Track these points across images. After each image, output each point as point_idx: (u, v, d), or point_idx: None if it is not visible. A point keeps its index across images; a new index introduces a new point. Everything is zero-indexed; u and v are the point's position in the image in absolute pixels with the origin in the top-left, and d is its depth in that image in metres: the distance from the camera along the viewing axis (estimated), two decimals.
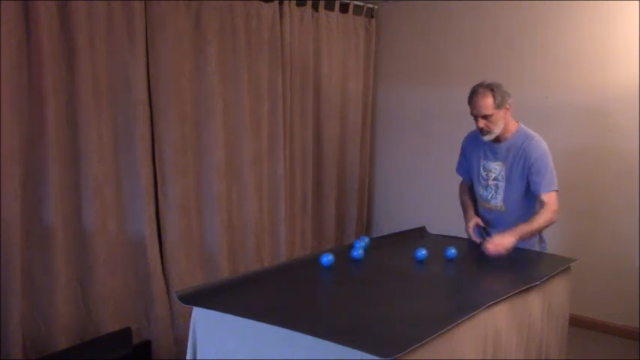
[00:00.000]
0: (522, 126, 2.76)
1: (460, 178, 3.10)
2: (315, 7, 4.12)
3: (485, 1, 4.12)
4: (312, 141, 4.24)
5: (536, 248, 2.85)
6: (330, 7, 4.23)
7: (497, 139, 2.73)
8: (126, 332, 2.93)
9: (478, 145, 2.85)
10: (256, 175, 3.77)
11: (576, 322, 3.56)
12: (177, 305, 3.20)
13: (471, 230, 2.83)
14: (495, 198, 2.81)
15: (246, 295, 2.02)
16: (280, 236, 3.95)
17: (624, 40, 3.57)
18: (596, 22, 3.68)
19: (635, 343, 3.59)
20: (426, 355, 1.63)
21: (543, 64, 3.90)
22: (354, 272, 2.43)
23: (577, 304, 3.07)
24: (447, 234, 3.04)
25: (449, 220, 3.26)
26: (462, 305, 1.96)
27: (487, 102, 2.61)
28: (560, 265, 2.50)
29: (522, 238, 2.63)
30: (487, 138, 2.71)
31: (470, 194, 3.01)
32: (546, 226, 2.70)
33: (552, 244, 3.02)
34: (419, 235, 3.03)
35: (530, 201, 2.76)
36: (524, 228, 2.62)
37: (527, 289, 2.18)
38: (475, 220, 2.84)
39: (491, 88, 2.63)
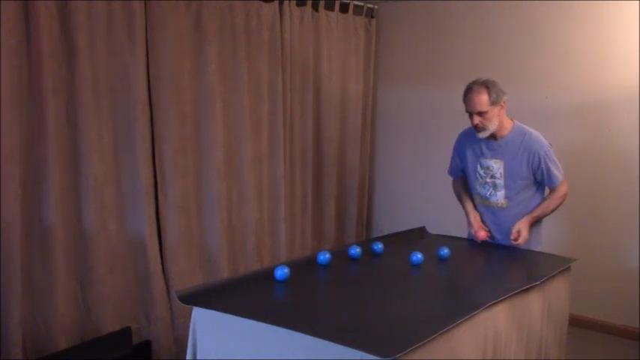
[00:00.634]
0: (518, 123, 2.79)
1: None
2: (315, 7, 4.12)
3: (486, 1, 4.12)
4: (312, 141, 4.24)
5: (538, 248, 2.86)
6: (330, 7, 4.23)
7: (494, 137, 2.74)
8: (126, 332, 2.93)
9: (474, 143, 2.85)
10: (256, 175, 3.77)
11: (576, 322, 3.56)
12: (177, 305, 3.20)
13: (476, 225, 2.85)
14: (495, 195, 2.81)
15: (246, 295, 2.02)
16: (280, 236, 3.95)
17: (624, 40, 3.57)
18: (596, 22, 3.68)
19: (635, 343, 3.59)
20: (426, 355, 1.63)
21: (543, 64, 3.90)
22: (354, 272, 2.43)
23: (577, 304, 3.07)
24: (447, 234, 3.04)
25: (449, 220, 3.26)
26: (461, 305, 1.96)
27: (482, 99, 2.63)
28: (560, 265, 2.50)
29: (536, 221, 2.77)
30: (482, 135, 2.71)
31: (464, 188, 3.02)
32: (556, 208, 2.82)
33: (552, 244, 3.02)
34: (419, 235, 3.03)
35: (529, 194, 2.77)
36: (537, 212, 2.76)
37: (527, 289, 2.18)
38: (476, 218, 2.87)
39: (487, 85, 2.65)
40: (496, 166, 2.78)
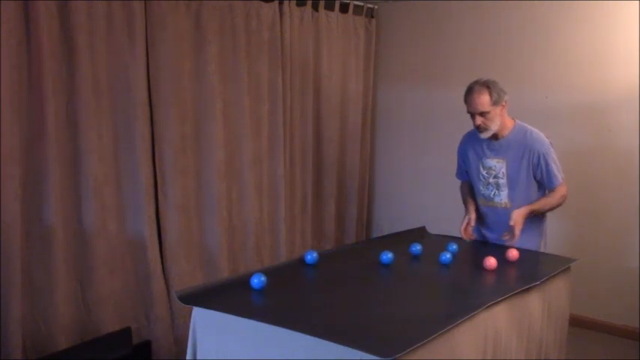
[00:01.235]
0: (519, 122, 2.78)
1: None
2: (315, 7, 4.12)
3: (485, 1, 4.12)
4: (312, 141, 4.24)
5: (541, 248, 2.86)
6: (330, 7, 4.23)
7: (495, 137, 2.74)
8: (126, 332, 2.93)
9: (475, 144, 2.85)
10: (256, 175, 3.77)
11: (576, 322, 3.56)
12: (177, 305, 3.20)
13: (464, 225, 2.83)
14: (499, 195, 2.81)
15: (246, 295, 2.02)
16: (280, 236, 3.95)
17: (624, 40, 3.57)
18: (596, 22, 3.68)
19: (635, 343, 3.59)
20: (426, 355, 1.63)
21: (543, 64, 3.90)
22: (354, 272, 2.43)
23: (577, 304, 3.07)
24: (447, 234, 3.04)
25: (449, 220, 3.26)
26: (462, 305, 1.96)
27: (484, 99, 2.62)
28: (560, 265, 2.50)
29: (533, 214, 2.72)
30: (484, 135, 2.71)
31: (470, 190, 3.01)
32: (554, 207, 2.80)
33: (552, 244, 3.02)
34: (419, 235, 3.03)
35: (532, 194, 2.77)
36: (537, 205, 2.72)
37: (527, 289, 2.18)
38: (472, 217, 2.85)
39: (488, 85, 2.64)
40: (498, 165, 2.78)
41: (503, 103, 2.68)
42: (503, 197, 2.80)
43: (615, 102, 3.64)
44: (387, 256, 2.43)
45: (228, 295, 2.00)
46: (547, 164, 2.71)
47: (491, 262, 2.38)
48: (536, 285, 2.22)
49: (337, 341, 1.59)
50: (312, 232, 4.35)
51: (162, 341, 3.20)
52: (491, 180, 2.82)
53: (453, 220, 3.13)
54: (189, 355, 1.96)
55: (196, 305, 1.91)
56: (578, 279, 2.83)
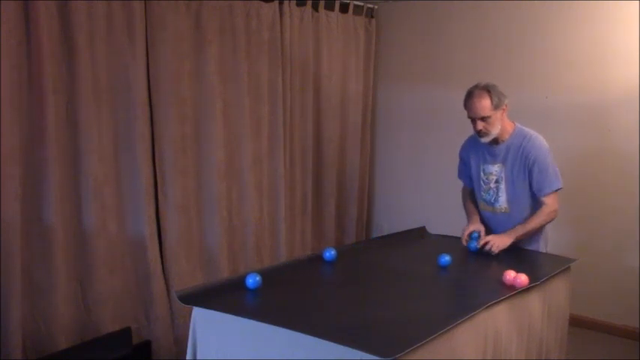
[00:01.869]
0: (519, 125, 2.75)
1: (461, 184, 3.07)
2: (315, 7, 4.12)
3: (486, 1, 4.12)
4: (312, 141, 4.24)
5: (542, 249, 2.85)
6: (330, 7, 4.23)
7: (495, 141, 2.71)
8: (126, 332, 2.93)
9: (476, 149, 2.83)
10: (256, 175, 3.77)
11: (576, 322, 3.56)
12: (177, 305, 3.20)
13: (466, 234, 2.75)
14: (498, 200, 2.79)
15: (247, 296, 2.02)
16: (280, 236, 3.95)
17: (624, 40, 3.57)
18: (596, 22, 3.68)
19: (635, 343, 3.59)
20: (426, 355, 1.63)
21: (543, 64, 3.90)
22: (355, 272, 2.43)
23: (577, 304, 3.07)
24: (447, 234, 3.04)
25: (449, 220, 3.26)
26: (461, 305, 1.96)
27: (484, 103, 2.59)
28: (560, 265, 2.50)
29: (519, 238, 2.66)
30: (485, 140, 2.69)
31: (472, 198, 2.97)
32: (542, 225, 2.74)
33: (552, 244, 3.02)
34: (419, 235, 3.03)
35: (532, 199, 2.75)
36: (520, 230, 2.66)
37: (527, 289, 2.17)
38: (475, 227, 2.76)
39: (488, 89, 2.61)
40: (497, 170, 2.76)
41: (504, 107, 2.64)
42: (501, 202, 2.78)
43: (615, 102, 3.64)
44: (445, 259, 2.41)
45: (229, 295, 2.00)
46: (540, 170, 2.65)
47: (513, 277, 2.17)
48: (536, 285, 2.22)
49: (337, 341, 1.59)
50: (312, 232, 4.35)
51: (162, 341, 3.20)
52: (491, 185, 2.79)
53: (453, 220, 3.13)
54: (189, 355, 1.96)
55: (196, 305, 1.92)
56: (578, 279, 2.83)
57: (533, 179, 2.67)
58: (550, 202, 2.68)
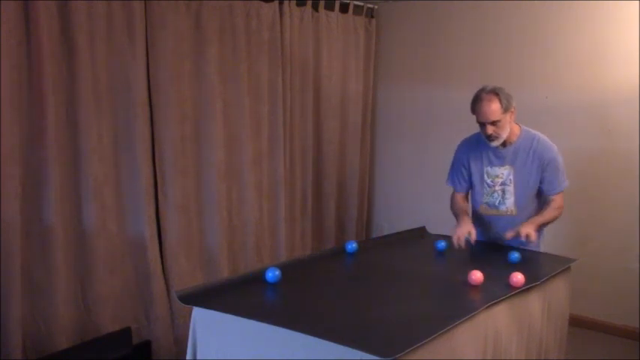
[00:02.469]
0: (524, 127, 2.74)
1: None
2: (315, 7, 4.12)
3: (486, 1, 4.12)
4: (312, 141, 4.24)
5: (540, 249, 2.85)
6: (330, 7, 4.23)
7: (503, 143, 2.68)
8: (126, 332, 2.93)
9: (476, 151, 2.79)
10: (256, 175, 3.77)
11: (576, 322, 3.56)
12: (177, 305, 3.20)
13: (462, 236, 2.63)
14: (504, 203, 2.77)
15: (246, 295, 2.02)
16: (280, 236, 3.95)
17: (624, 40, 3.57)
18: (596, 22, 3.68)
19: (635, 343, 3.59)
20: (426, 355, 1.63)
21: (543, 64, 3.90)
22: (354, 272, 2.43)
23: (577, 304, 3.07)
24: (447, 234, 3.04)
25: (449, 220, 3.26)
26: (462, 305, 1.96)
27: (494, 107, 2.53)
28: (560, 265, 2.50)
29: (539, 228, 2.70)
30: (495, 144, 2.65)
31: (463, 202, 2.90)
32: (552, 221, 2.77)
33: (553, 245, 3.02)
34: (419, 235, 3.03)
35: (538, 200, 2.76)
36: (538, 220, 2.68)
37: (527, 289, 2.18)
38: (469, 229, 2.65)
39: (496, 92, 2.55)
40: (506, 172, 2.73)
41: (512, 109, 2.61)
42: (509, 205, 2.76)
43: (615, 102, 3.64)
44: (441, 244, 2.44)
45: (228, 295, 2.00)
46: (553, 170, 2.67)
47: (477, 276, 2.18)
48: (536, 285, 2.22)
49: (337, 341, 1.59)
50: (312, 232, 4.35)
51: (162, 341, 3.20)
52: (497, 188, 2.77)
53: (453, 221, 3.13)
54: (189, 355, 1.96)
55: (196, 305, 1.91)
56: (578, 279, 2.83)
57: (546, 179, 2.69)
58: (558, 200, 2.72)
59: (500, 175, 2.75)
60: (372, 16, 4.59)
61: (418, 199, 4.58)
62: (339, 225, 4.58)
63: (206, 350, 1.92)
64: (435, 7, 4.39)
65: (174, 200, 3.29)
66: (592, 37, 3.70)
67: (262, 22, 3.69)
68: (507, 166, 2.73)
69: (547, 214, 2.71)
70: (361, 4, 4.46)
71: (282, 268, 2.29)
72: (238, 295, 2.01)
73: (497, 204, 2.79)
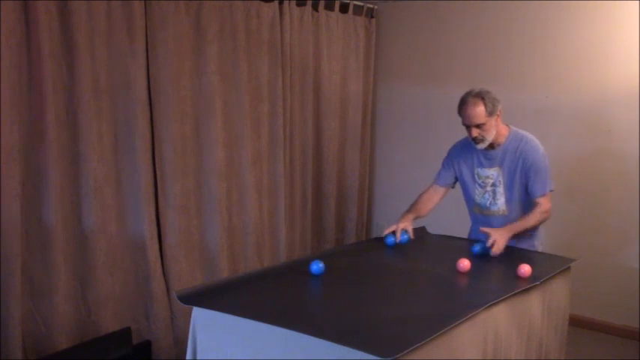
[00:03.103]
0: (513, 128, 2.75)
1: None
2: (315, 7, 4.12)
3: (485, 1, 4.12)
4: (312, 141, 4.24)
5: (539, 249, 2.85)
6: (330, 7, 4.23)
7: (491, 145, 2.70)
8: (126, 332, 2.93)
9: (467, 154, 2.83)
10: (256, 175, 3.77)
11: (576, 322, 3.56)
12: (177, 305, 3.20)
13: (399, 227, 2.73)
14: (495, 204, 2.80)
15: (246, 295, 2.02)
16: (280, 236, 3.95)
17: (624, 40, 3.57)
18: (596, 22, 3.68)
19: (635, 343, 3.59)
20: (426, 355, 1.63)
21: (543, 64, 3.90)
22: (354, 272, 2.43)
23: (577, 304, 3.07)
24: (447, 234, 3.04)
25: (449, 220, 3.26)
26: (462, 305, 1.96)
27: (479, 111, 2.58)
28: (560, 265, 2.50)
29: (516, 233, 2.65)
30: (481, 146, 2.68)
31: (431, 197, 2.96)
32: (537, 225, 2.74)
33: (553, 244, 3.02)
34: (419, 235, 3.03)
35: (529, 199, 2.75)
36: (516, 226, 2.65)
37: (527, 289, 2.18)
38: (406, 225, 2.77)
39: (481, 96, 2.59)
40: (495, 174, 2.75)
41: (498, 113, 2.64)
42: (499, 205, 2.79)
43: (615, 102, 3.64)
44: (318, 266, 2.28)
45: (228, 295, 2.00)
46: (535, 172, 2.66)
47: (465, 264, 2.35)
48: (536, 285, 2.22)
49: (337, 341, 1.59)
50: (312, 232, 4.35)
51: (162, 341, 3.20)
52: (488, 189, 2.80)
53: (453, 221, 3.14)
54: (189, 355, 1.96)
55: (196, 305, 1.91)
56: (578, 279, 2.83)
57: (529, 181, 2.69)
58: (543, 202, 2.68)
59: (491, 176, 2.77)
60: (372, 16, 4.59)
61: None
62: (339, 225, 4.59)
63: (206, 350, 1.92)
64: (435, 7, 4.39)
65: (174, 200, 3.29)
66: (592, 37, 3.70)
67: (262, 22, 3.69)
68: (496, 167, 2.75)
69: (529, 218, 2.67)
70: (361, 4, 4.46)
71: (283, 268, 2.30)
72: (238, 295, 2.01)
73: (488, 205, 2.82)
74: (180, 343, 3.23)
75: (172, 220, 3.30)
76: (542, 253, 2.81)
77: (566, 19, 3.79)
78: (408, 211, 2.93)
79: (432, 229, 3.12)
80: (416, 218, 2.91)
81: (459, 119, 2.68)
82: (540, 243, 2.88)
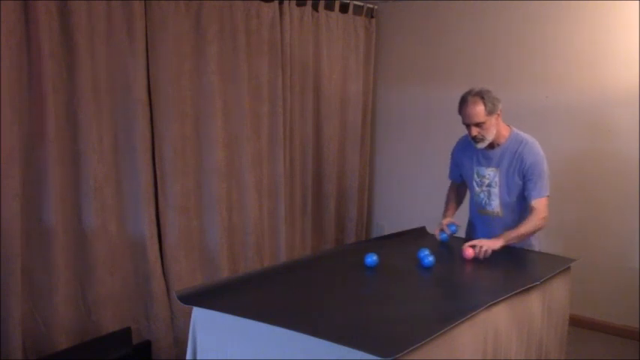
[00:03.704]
0: (515, 130, 2.75)
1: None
2: (315, 7, 4.12)
3: (486, 1, 4.12)
4: (312, 141, 4.24)
5: (535, 248, 2.85)
6: (330, 7, 4.23)
7: (491, 145, 2.70)
8: (126, 332, 2.93)
9: (469, 151, 2.83)
10: (256, 175, 3.77)
11: (576, 322, 3.56)
12: (177, 305, 3.20)
13: (438, 229, 2.87)
14: (490, 204, 2.80)
15: (246, 295, 2.02)
16: (280, 236, 3.95)
17: (624, 40, 3.57)
18: (596, 22, 3.68)
19: (635, 343, 3.59)
20: (426, 355, 1.63)
21: (543, 64, 3.90)
22: (354, 272, 2.43)
23: (577, 304, 3.07)
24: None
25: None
26: (461, 305, 1.96)
27: (478, 110, 2.58)
28: (560, 265, 2.50)
29: (509, 243, 2.64)
30: (480, 145, 2.68)
31: (456, 192, 3.06)
32: (534, 232, 2.71)
33: (552, 245, 3.03)
34: (419, 235, 3.03)
35: (525, 203, 2.74)
36: (512, 234, 2.63)
37: (527, 289, 2.18)
38: (449, 220, 2.90)
39: (481, 95, 2.59)
40: (491, 174, 2.75)
41: (498, 112, 2.64)
42: (494, 206, 2.79)
43: (615, 102, 3.64)
44: (372, 258, 2.43)
45: (228, 295, 2.00)
46: (532, 175, 2.65)
47: (469, 252, 2.52)
48: (536, 285, 2.22)
49: (337, 341, 1.59)
50: (312, 232, 4.35)
51: (162, 341, 3.20)
52: (484, 188, 2.80)
53: (453, 220, 3.13)
54: (189, 355, 1.96)
55: (196, 305, 1.92)
56: (578, 279, 2.83)
57: (526, 183, 2.67)
58: (540, 208, 2.65)
59: (487, 177, 2.78)
60: (372, 16, 4.59)
61: (418, 199, 4.59)
62: (339, 225, 4.58)
63: (206, 350, 1.92)
64: (435, 7, 4.39)
65: (174, 200, 3.29)
66: (592, 38, 3.70)
67: (262, 22, 3.69)
68: (493, 168, 2.75)
69: (526, 225, 2.64)
70: (361, 4, 4.46)
71: (283, 268, 2.30)
72: (238, 295, 2.01)
73: (484, 204, 2.83)
74: (180, 343, 3.23)
75: (172, 220, 3.30)
76: (543, 253, 2.81)
77: (566, 19, 3.79)
78: (445, 211, 3.01)
79: (432, 229, 3.12)
80: (454, 211, 3.02)
81: (459, 119, 2.68)
82: (538, 242, 2.87)
